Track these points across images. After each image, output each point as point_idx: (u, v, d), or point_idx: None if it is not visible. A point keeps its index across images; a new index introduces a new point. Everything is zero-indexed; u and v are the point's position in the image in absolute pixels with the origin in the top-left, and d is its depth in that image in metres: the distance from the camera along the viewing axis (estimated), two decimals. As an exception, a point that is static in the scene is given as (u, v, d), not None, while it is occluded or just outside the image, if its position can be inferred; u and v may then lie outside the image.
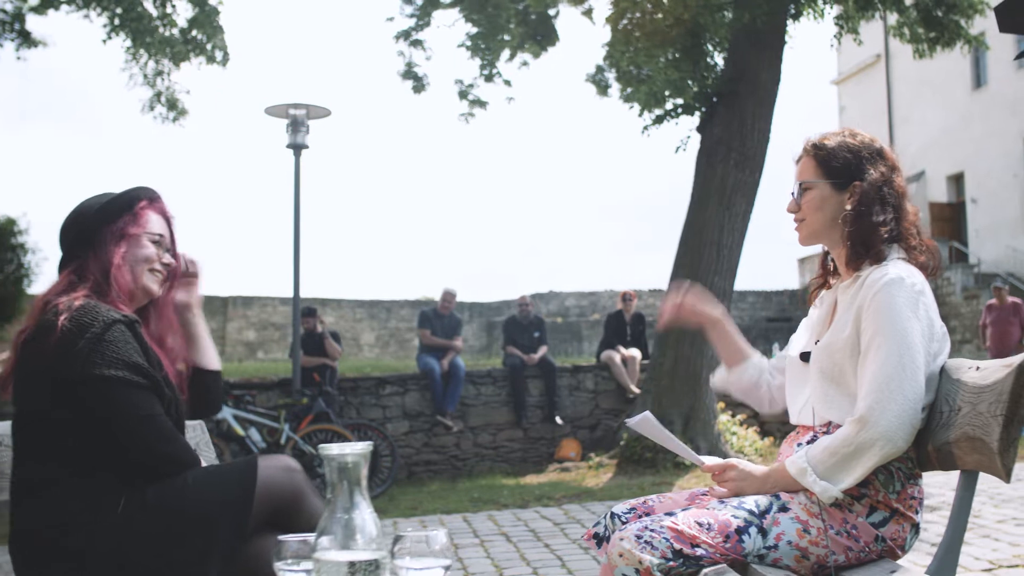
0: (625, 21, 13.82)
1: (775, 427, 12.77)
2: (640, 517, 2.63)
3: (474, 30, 12.84)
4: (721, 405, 11.96)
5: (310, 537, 1.63)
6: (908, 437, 2.29)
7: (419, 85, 13.44)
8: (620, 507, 2.69)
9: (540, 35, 14.26)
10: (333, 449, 1.58)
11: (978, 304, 25.91)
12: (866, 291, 2.42)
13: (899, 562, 2.34)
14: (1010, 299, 13.65)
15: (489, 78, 13.52)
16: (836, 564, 2.34)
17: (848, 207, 2.52)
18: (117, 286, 2.59)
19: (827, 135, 2.64)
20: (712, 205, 11.45)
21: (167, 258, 2.73)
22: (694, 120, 11.82)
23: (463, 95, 13.54)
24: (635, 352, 12.66)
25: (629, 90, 14.87)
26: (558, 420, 12.22)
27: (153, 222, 2.70)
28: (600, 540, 2.66)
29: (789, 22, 11.56)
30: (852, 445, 2.30)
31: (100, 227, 2.62)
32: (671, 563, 2.27)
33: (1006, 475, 2.06)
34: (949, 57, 29.95)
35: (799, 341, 2.75)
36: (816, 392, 2.52)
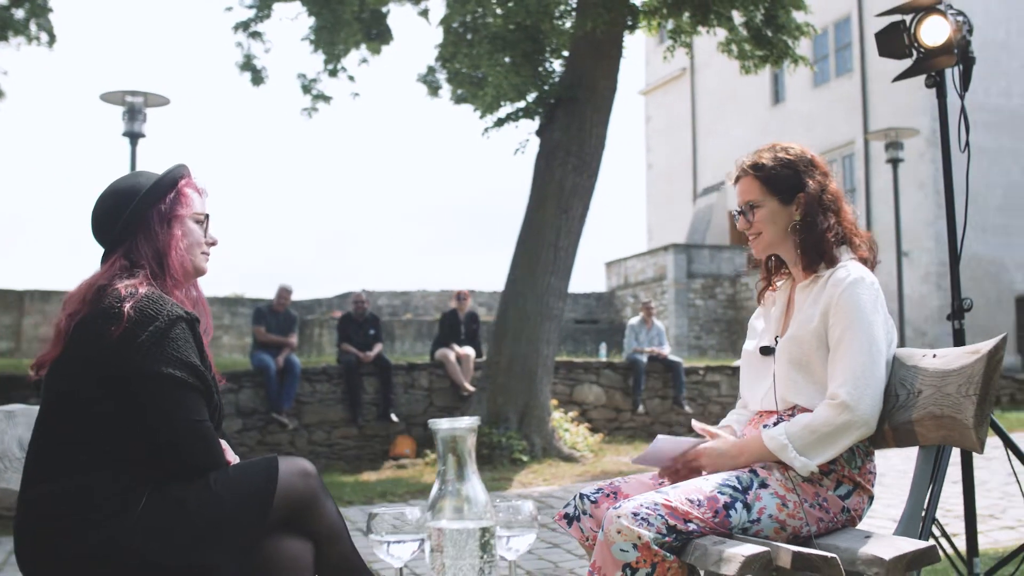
0: (457, 24, 14.02)
1: (603, 424, 13.18)
2: (608, 496, 2.76)
3: (317, 24, 12.70)
4: (555, 403, 12.25)
5: (404, 509, 1.67)
6: (877, 420, 2.52)
7: (258, 77, 13.21)
8: (588, 489, 2.81)
9: (375, 32, 14.25)
10: (443, 423, 1.63)
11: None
12: (832, 290, 2.66)
13: (864, 528, 2.55)
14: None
15: (333, 73, 13.42)
16: (809, 534, 2.53)
17: (797, 217, 2.76)
18: (172, 269, 2.53)
19: (759, 154, 2.87)
20: (550, 207, 11.72)
21: (211, 237, 2.68)
22: (534, 124, 12.06)
23: (306, 89, 13.39)
24: (469, 350, 12.81)
25: (460, 92, 15.07)
26: (393, 418, 12.23)
27: (195, 201, 2.64)
28: (571, 520, 2.77)
29: (626, 33, 11.95)
30: (832, 426, 2.52)
31: (147, 209, 2.54)
32: (666, 538, 2.41)
33: (980, 447, 2.30)
34: (750, 75, 31.59)
35: (755, 337, 2.94)
36: (782, 380, 2.72)
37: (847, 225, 2.81)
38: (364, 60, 13.87)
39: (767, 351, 2.82)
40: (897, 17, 4.52)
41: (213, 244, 2.68)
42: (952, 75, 4.51)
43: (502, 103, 11.97)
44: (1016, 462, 4.14)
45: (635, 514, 2.43)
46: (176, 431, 2.34)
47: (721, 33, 11.90)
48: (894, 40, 4.50)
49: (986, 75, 25.53)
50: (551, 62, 12.40)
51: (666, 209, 37.22)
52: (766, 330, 2.93)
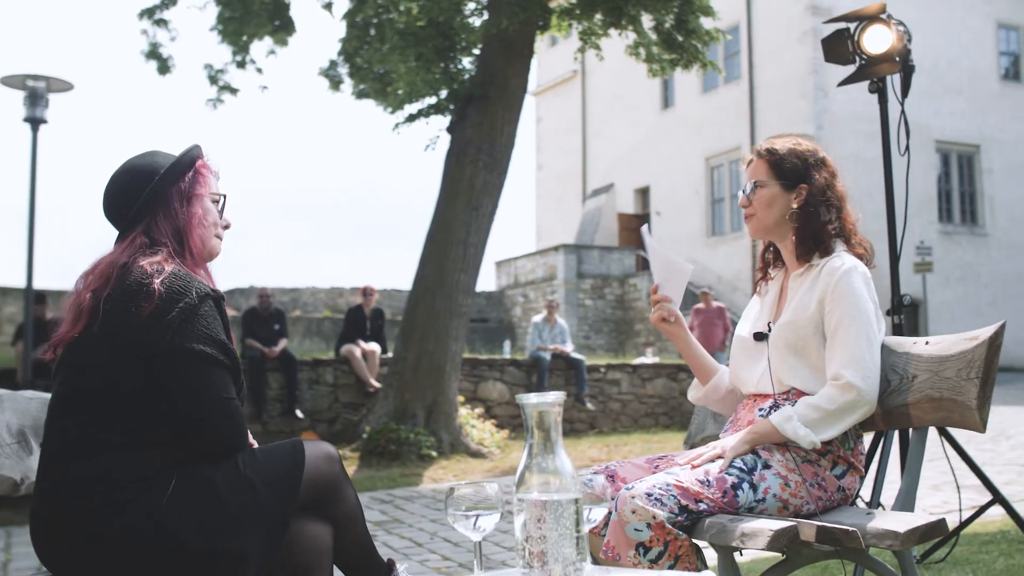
0: (360, 19, 13.96)
1: (506, 420, 13.27)
2: (608, 479, 2.85)
3: (225, 13, 12.49)
4: (461, 399, 12.30)
5: (484, 483, 1.72)
6: (877, 400, 2.67)
7: (164, 66, 12.91)
8: (584, 471, 2.88)
9: (278, 23, 14.08)
10: (531, 398, 1.68)
11: (662, 310, 27.86)
12: (827, 278, 2.79)
13: (861, 506, 2.68)
14: (715, 303, 14.88)
15: (241, 64, 13.20)
16: (810, 512, 2.65)
17: (795, 206, 2.89)
18: (192, 248, 2.50)
19: (775, 141, 2.99)
20: (460, 204, 11.77)
21: (226, 219, 2.66)
22: (445, 120, 12.10)
23: (213, 80, 13.14)
24: (375, 346, 12.77)
25: (363, 87, 15.01)
26: (298, 414, 12.11)
27: (212, 181, 2.61)
28: None
29: (537, 33, 12.08)
30: (837, 404, 2.65)
31: (167, 187, 2.51)
32: (679, 517, 2.50)
33: (983, 426, 2.45)
34: (640, 78, 32.11)
35: (748, 323, 3.05)
36: (778, 363, 2.83)
37: (848, 224, 2.94)
38: (272, 52, 13.70)
39: (760, 336, 2.93)
40: (843, 25, 4.70)
41: (227, 227, 2.66)
42: (891, 82, 4.72)
43: (415, 99, 11.96)
44: (950, 450, 4.37)
45: (648, 494, 2.52)
46: (205, 408, 2.32)
47: (632, 37, 12.09)
48: (839, 47, 4.70)
49: (866, 86, 26.48)
50: (462, 59, 12.44)
51: (556, 210, 37.59)
52: (759, 316, 3.04)
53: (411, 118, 12.17)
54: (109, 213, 2.56)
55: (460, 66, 12.36)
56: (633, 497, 2.52)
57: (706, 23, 11.66)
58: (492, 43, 11.90)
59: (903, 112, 4.57)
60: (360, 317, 13.05)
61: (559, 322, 14.53)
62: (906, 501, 2.59)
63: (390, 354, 12.64)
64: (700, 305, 14.90)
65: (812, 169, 2.94)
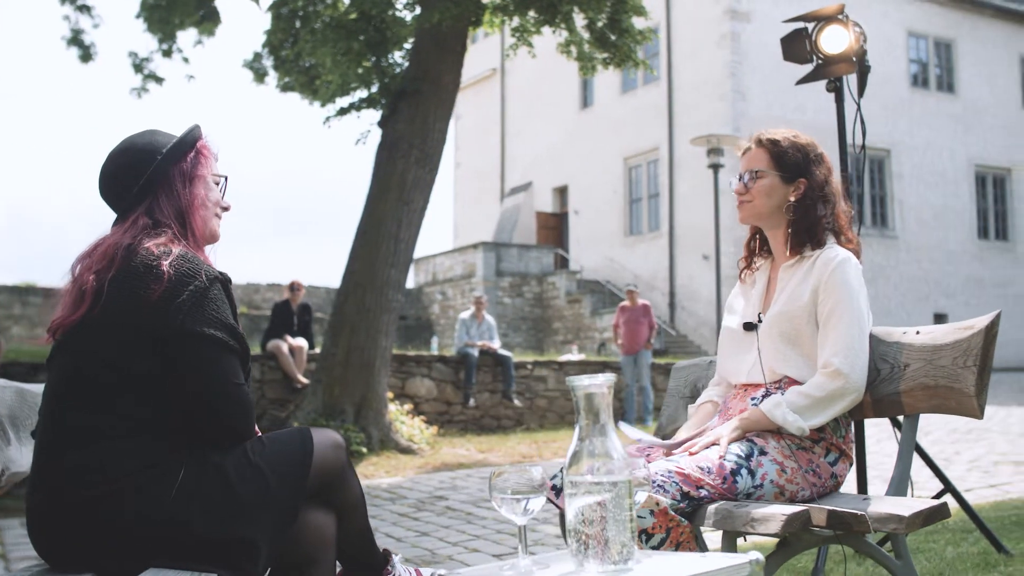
0: (287, 11, 13.81)
1: (434, 417, 13.24)
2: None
3: (150, 1, 12.23)
4: (391, 395, 12.23)
5: (527, 466, 1.72)
6: (865, 387, 2.72)
7: (86, 54, 12.61)
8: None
9: (203, 12, 13.85)
10: (583, 380, 1.68)
11: (580, 308, 28.11)
12: (821, 268, 2.84)
13: (855, 492, 2.73)
14: (640, 301, 15.02)
15: (167, 53, 12.94)
16: (805, 498, 2.70)
17: (792, 199, 2.93)
18: (195, 230, 2.43)
19: (776, 131, 3.02)
20: (391, 199, 11.70)
21: (226, 200, 2.59)
22: (377, 115, 12.02)
23: (137, 68, 12.86)
24: (302, 342, 12.63)
25: (288, 80, 14.85)
26: (224, 410, 11.90)
27: (212, 162, 2.55)
28: (558, 491, 2.84)
29: (470, 29, 12.06)
30: (826, 391, 2.70)
31: (169, 167, 2.44)
32: (681, 503, 2.52)
33: (980, 413, 2.51)
34: (560, 78, 32.34)
35: (735, 314, 3.08)
36: (771, 352, 2.87)
37: (841, 220, 2.99)
38: (199, 42, 13.45)
39: (750, 327, 2.97)
40: (801, 24, 4.78)
41: (227, 209, 2.60)
42: (847, 82, 4.81)
43: (345, 93, 11.86)
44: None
45: (651, 481, 2.53)
46: (215, 393, 2.27)
47: (564, 35, 12.14)
48: (797, 46, 4.77)
49: (783, 90, 27.00)
50: (394, 54, 12.37)
51: (473, 207, 37.61)
52: (747, 307, 3.07)
53: (342, 112, 12.07)
54: (107, 193, 2.48)
55: (392, 60, 12.28)
56: None
57: (638, 23, 11.76)
58: (425, 38, 11.85)
59: (859, 111, 4.66)
60: (287, 312, 12.89)
61: (487, 319, 14.54)
62: (900, 487, 2.65)
63: (317, 350, 12.51)
64: (626, 303, 15.04)
65: (812, 164, 2.98)
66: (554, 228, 33.62)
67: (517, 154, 35.74)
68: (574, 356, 16.07)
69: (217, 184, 2.57)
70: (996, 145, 30.23)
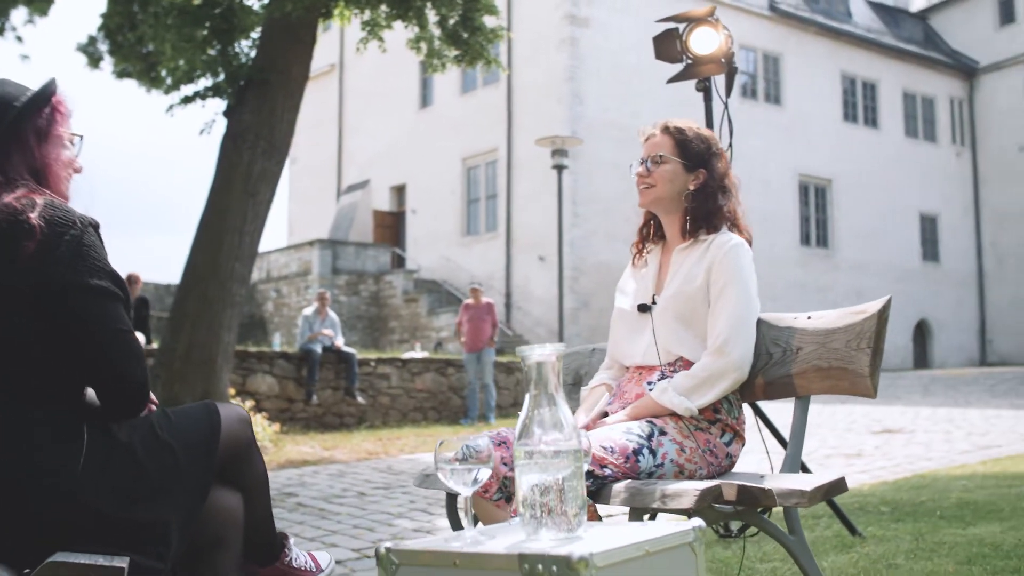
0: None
1: (276, 414, 13.00)
2: (499, 446, 2.84)
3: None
4: (232, 391, 11.95)
5: (470, 441, 1.73)
6: (749, 368, 2.81)
7: (-92, 27, 11.87)
8: (473, 439, 2.88)
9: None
10: (534, 349, 1.70)
11: (417, 307, 28.07)
12: (715, 251, 2.92)
13: (746, 470, 2.83)
14: (484, 299, 15.11)
15: (-1, 31, 12.31)
16: (703, 476, 2.77)
17: (692, 187, 3.01)
18: (51, 189, 2.28)
19: (680, 123, 3.09)
20: (236, 191, 11.41)
21: (79, 162, 2.43)
22: (223, 104, 11.72)
23: (-34, 46, 12.17)
24: (139, 336, 12.19)
25: (126, 66, 14.34)
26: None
27: (69, 119, 2.39)
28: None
29: (321, 21, 11.90)
30: (708, 371, 2.80)
31: (23, 122, 2.27)
32: (587, 483, 2.55)
33: (874, 391, 2.63)
34: (399, 76, 32.23)
35: (627, 296, 3.14)
36: (666, 333, 2.94)
37: (736, 213, 3.08)
38: (30, 21, 12.84)
39: (644, 308, 3.03)
40: (673, 25, 4.91)
41: (78, 171, 2.43)
42: (714, 83, 4.97)
43: (189, 80, 11.53)
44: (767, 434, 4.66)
45: (470, 445, 2.55)
46: (107, 345, 2.15)
47: (415, 30, 12.09)
48: (668, 46, 4.90)
49: (619, 95, 27.65)
50: (241, 42, 12.09)
51: (309, 204, 37.09)
52: (639, 290, 3.13)
53: (186, 100, 11.71)
54: None
55: (239, 49, 11.99)
56: None
57: (489, 22, 11.82)
58: (274, 27, 11.62)
59: (726, 110, 4.81)
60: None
61: (330, 315, 14.38)
62: (792, 465, 2.76)
63: (155, 345, 12.12)
64: (470, 301, 15.10)
65: (713, 156, 3.06)
66: (391, 227, 33.47)
67: (355, 151, 35.43)
68: (417, 354, 16.04)
69: (72, 144, 2.42)
70: (819, 156, 31.72)
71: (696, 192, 3.03)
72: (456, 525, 3.60)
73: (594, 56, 27.51)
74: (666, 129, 3.09)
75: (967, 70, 36.99)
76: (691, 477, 2.77)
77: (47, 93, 2.34)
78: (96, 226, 2.24)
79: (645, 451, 2.71)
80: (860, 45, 33.80)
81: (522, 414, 1.73)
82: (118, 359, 2.17)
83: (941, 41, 38.15)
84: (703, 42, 4.86)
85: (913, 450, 9.54)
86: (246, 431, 2.43)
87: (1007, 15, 36.54)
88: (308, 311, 14.41)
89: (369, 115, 34.55)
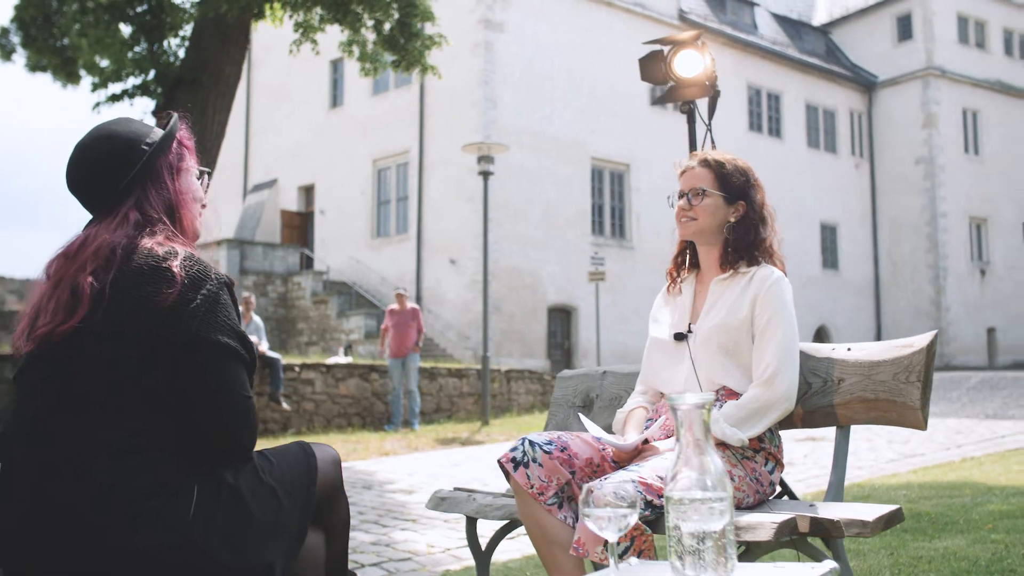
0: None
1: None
2: (561, 452, 2.87)
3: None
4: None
5: (618, 489, 1.74)
6: (795, 399, 2.89)
7: None
8: (536, 437, 2.90)
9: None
10: (685, 397, 1.73)
11: (326, 309, 27.81)
12: (759, 283, 2.98)
13: (795, 500, 2.90)
14: (409, 305, 15.04)
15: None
16: (750, 505, 2.83)
17: (732, 219, 3.07)
18: (185, 227, 2.25)
19: (718, 155, 3.14)
20: (165, 192, 11.19)
21: (205, 197, 2.40)
22: (151, 103, 11.50)
23: None
24: None
25: (41, 60, 13.97)
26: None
27: (194, 154, 2.37)
28: (518, 464, 2.85)
29: (253, 22, 11.75)
30: (759, 403, 2.85)
31: (155, 159, 2.24)
32: (645, 512, 2.59)
33: (924, 424, 2.72)
34: (309, 75, 31.92)
35: (663, 325, 3.18)
36: (708, 363, 2.99)
37: (772, 242, 3.14)
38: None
39: (680, 337, 3.08)
40: (659, 47, 4.99)
41: (205, 206, 2.43)
42: (696, 106, 5.06)
43: (120, 78, 11.27)
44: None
45: (616, 492, 2.59)
46: (226, 406, 2.11)
47: (348, 34, 12.00)
48: (654, 67, 4.98)
49: (532, 101, 27.81)
50: (171, 40, 11.87)
51: (214, 203, 36.35)
52: (674, 319, 3.17)
53: (114, 98, 11.46)
54: (87, 186, 2.26)
55: (168, 48, 11.77)
56: (604, 494, 2.57)
57: (427, 28, 11.81)
58: (207, 27, 11.44)
59: (708, 132, 4.90)
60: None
61: (255, 319, 14.16)
62: (836, 493, 2.84)
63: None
64: (395, 306, 15.01)
65: (751, 187, 3.12)
66: (299, 227, 33.11)
67: (262, 150, 34.95)
68: (341, 359, 15.90)
69: (199, 179, 2.41)
70: (724, 165, 32.22)
71: (737, 224, 3.08)
72: (476, 549, 3.61)
73: (508, 61, 27.62)
74: (705, 162, 3.14)
75: (866, 84, 38.15)
76: (739, 505, 2.82)
77: (172, 128, 2.32)
78: (231, 285, 2.21)
79: None
80: (766, 57, 34.60)
81: (672, 458, 1.76)
82: (233, 424, 2.13)
83: (842, 55, 39.29)
84: (687, 65, 4.94)
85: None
86: (337, 473, 2.40)
87: (905, 32, 37.81)
88: (231, 315, 14.15)
89: (277, 113, 34.12)
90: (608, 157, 29.68)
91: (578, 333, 28.57)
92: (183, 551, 2.00)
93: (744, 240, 3.07)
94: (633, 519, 1.85)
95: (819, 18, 41.29)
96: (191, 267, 2.13)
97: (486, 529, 4.71)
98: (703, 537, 1.70)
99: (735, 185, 3.10)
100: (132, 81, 11.52)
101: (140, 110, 11.69)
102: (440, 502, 3.57)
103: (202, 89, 11.32)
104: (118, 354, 2.06)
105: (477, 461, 10.99)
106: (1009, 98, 39.86)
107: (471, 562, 5.70)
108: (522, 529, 3.15)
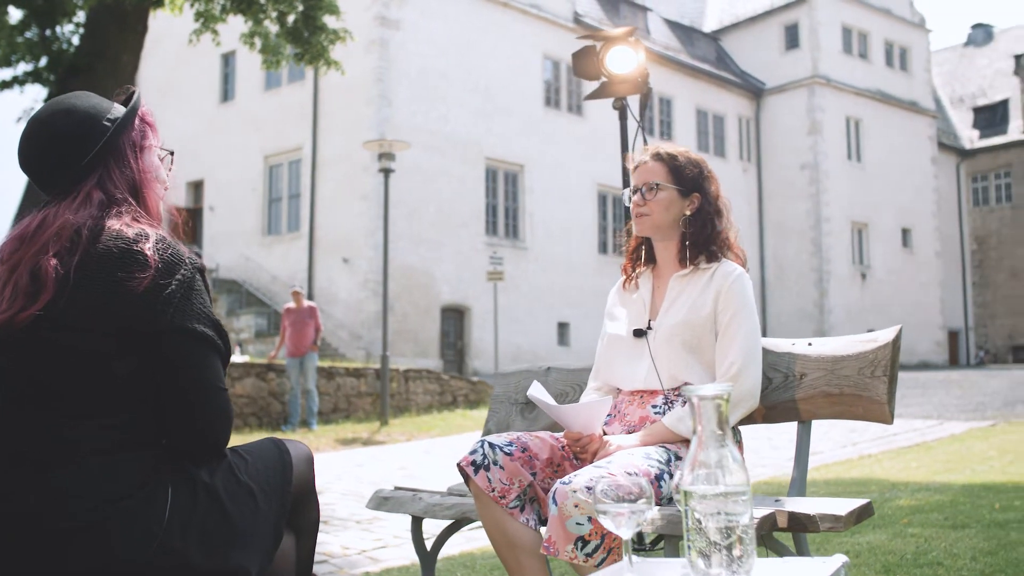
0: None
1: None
2: (522, 452, 2.81)
3: None
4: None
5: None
6: (759, 395, 2.87)
7: None
8: (496, 439, 2.83)
9: None
10: (709, 389, 1.68)
11: (216, 307, 27.14)
12: (721, 279, 2.95)
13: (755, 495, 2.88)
14: (306, 303, 14.78)
15: None
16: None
17: (688, 212, 3.03)
18: (149, 208, 2.10)
19: (670, 148, 3.10)
20: (57, 184, 10.80)
21: (167, 179, 2.24)
22: (44, 91, 11.08)
23: None
24: None
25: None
26: None
27: (158, 133, 2.22)
28: (478, 468, 2.77)
29: (152, 9, 11.41)
30: None
31: (118, 136, 2.10)
32: None
33: (891, 418, 2.73)
34: (198, 68, 31.22)
35: (620, 321, 3.13)
36: (670, 360, 2.94)
37: (730, 234, 3.11)
38: None
39: (640, 333, 3.03)
40: (591, 42, 4.96)
41: (167, 188, 2.28)
42: (628, 103, 5.04)
43: (9, 63, 10.83)
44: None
45: (588, 488, 2.53)
46: (201, 398, 1.99)
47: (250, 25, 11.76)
48: (587, 63, 4.94)
49: (428, 99, 27.68)
50: (64, 26, 11.45)
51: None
52: (632, 315, 3.13)
53: (3, 84, 10.98)
54: (44, 163, 2.10)
55: (61, 34, 11.35)
56: (575, 491, 2.51)
57: (331, 22, 11.63)
58: (103, 14, 11.06)
59: (640, 129, 4.88)
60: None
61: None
62: (800, 488, 2.83)
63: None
64: (291, 305, 14.73)
65: (706, 179, 3.08)
66: (187, 224, 32.33)
67: (148, 144, 34.04)
68: (238, 358, 15.55)
69: (162, 160, 2.27)
70: (616, 168, 32.51)
71: (692, 217, 3.04)
72: (421, 549, 3.52)
73: (404, 59, 27.44)
74: (658, 156, 3.09)
75: (755, 90, 39.00)
76: (705, 501, 2.79)
77: (135, 104, 2.18)
78: (203, 270, 2.08)
79: (666, 476, 2.71)
80: (658, 61, 35.04)
81: (691, 452, 1.70)
82: (207, 417, 2.01)
83: (732, 62, 40.09)
84: (619, 62, 4.92)
85: (746, 456, 9.94)
86: (311, 472, 2.29)
87: (792, 41, 38.79)
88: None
89: (165, 108, 33.21)
90: (503, 157, 29.71)
91: (471, 333, 28.53)
92: (158, 557, 1.88)
93: (701, 234, 3.03)
94: (651, 513, 1.79)
95: (709, 25, 42.07)
96: (164, 250, 1.99)
97: (399, 528, 5.09)
98: (728, 531, 1.65)
99: (689, 177, 3.06)
100: (23, 67, 11.07)
101: (31, 98, 11.45)
102: (383, 502, 3.47)
103: (97, 77, 10.92)
104: (85, 343, 1.92)
105: (380, 462, 10.85)
106: (889, 107, 41.19)
107: (389, 563, 5.60)
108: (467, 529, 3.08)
